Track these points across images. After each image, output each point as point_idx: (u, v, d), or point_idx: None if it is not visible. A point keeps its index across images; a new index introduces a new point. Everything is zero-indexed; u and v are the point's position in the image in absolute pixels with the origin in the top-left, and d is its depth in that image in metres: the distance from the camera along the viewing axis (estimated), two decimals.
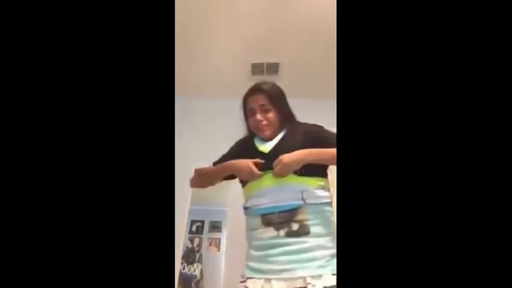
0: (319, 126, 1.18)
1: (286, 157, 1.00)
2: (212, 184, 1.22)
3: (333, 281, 0.90)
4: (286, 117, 1.17)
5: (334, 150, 0.99)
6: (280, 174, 1.01)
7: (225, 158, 1.21)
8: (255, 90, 1.16)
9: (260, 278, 0.96)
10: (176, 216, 1.87)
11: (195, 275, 4.44)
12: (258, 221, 1.01)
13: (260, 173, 1.04)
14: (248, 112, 1.17)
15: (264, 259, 0.98)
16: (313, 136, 1.09)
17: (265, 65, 2.67)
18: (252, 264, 1.00)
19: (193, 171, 1.27)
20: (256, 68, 2.70)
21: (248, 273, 1.00)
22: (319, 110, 2.80)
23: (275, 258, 0.95)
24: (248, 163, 1.05)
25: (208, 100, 2.87)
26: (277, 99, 1.16)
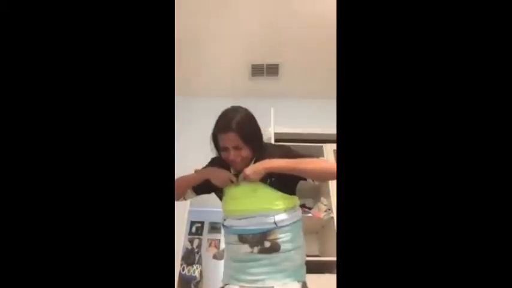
0: (285, 146, 1.25)
1: (247, 169, 1.10)
2: (184, 195, 1.26)
3: (298, 286, 1.08)
4: (257, 149, 1.17)
5: (305, 161, 1.11)
6: (247, 179, 1.10)
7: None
8: (226, 128, 1.11)
9: (236, 285, 1.12)
10: (176, 217, 1.87)
11: (195, 276, 4.42)
12: (235, 238, 1.16)
13: (235, 179, 1.14)
14: (221, 148, 1.15)
15: (240, 269, 1.13)
16: (282, 155, 1.16)
17: (265, 66, 2.67)
18: (231, 272, 1.16)
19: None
20: (256, 69, 2.70)
21: (226, 280, 1.16)
22: (319, 110, 2.80)
23: (249, 270, 1.11)
24: (226, 171, 1.16)
25: (209, 100, 2.87)
26: (248, 136, 1.13)
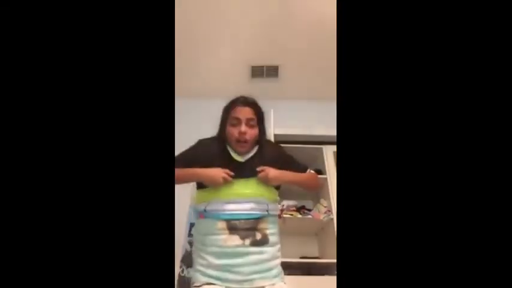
0: (280, 146, 1.32)
1: (272, 171, 1.11)
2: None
3: (284, 286, 1.04)
4: (262, 136, 1.22)
5: (305, 175, 1.23)
6: (263, 181, 1.11)
7: (186, 155, 1.19)
8: (244, 102, 1.18)
9: (221, 286, 1.00)
10: (175, 219, 1.87)
11: None
12: (222, 226, 1.04)
13: (231, 179, 1.09)
14: (232, 120, 1.18)
15: (227, 268, 1.01)
16: (279, 157, 1.22)
17: (264, 68, 2.68)
18: (212, 272, 1.02)
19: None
20: (256, 71, 2.70)
21: (205, 279, 1.02)
22: (319, 112, 2.80)
23: (239, 269, 1.01)
24: (220, 172, 1.09)
25: (208, 102, 2.87)
26: (262, 118, 1.21)
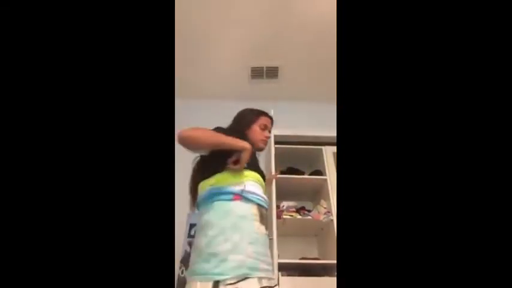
0: None
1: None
2: (200, 150, 1.13)
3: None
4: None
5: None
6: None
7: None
8: (269, 115, 1.38)
9: (254, 278, 0.89)
10: (175, 220, 1.86)
11: None
12: (255, 211, 1.02)
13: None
14: (261, 125, 1.31)
15: (259, 256, 0.94)
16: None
17: (264, 69, 2.68)
18: (251, 261, 0.91)
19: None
20: (256, 72, 2.71)
21: (241, 273, 0.87)
22: (318, 112, 2.81)
23: (268, 259, 1.00)
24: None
25: (208, 103, 2.87)
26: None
